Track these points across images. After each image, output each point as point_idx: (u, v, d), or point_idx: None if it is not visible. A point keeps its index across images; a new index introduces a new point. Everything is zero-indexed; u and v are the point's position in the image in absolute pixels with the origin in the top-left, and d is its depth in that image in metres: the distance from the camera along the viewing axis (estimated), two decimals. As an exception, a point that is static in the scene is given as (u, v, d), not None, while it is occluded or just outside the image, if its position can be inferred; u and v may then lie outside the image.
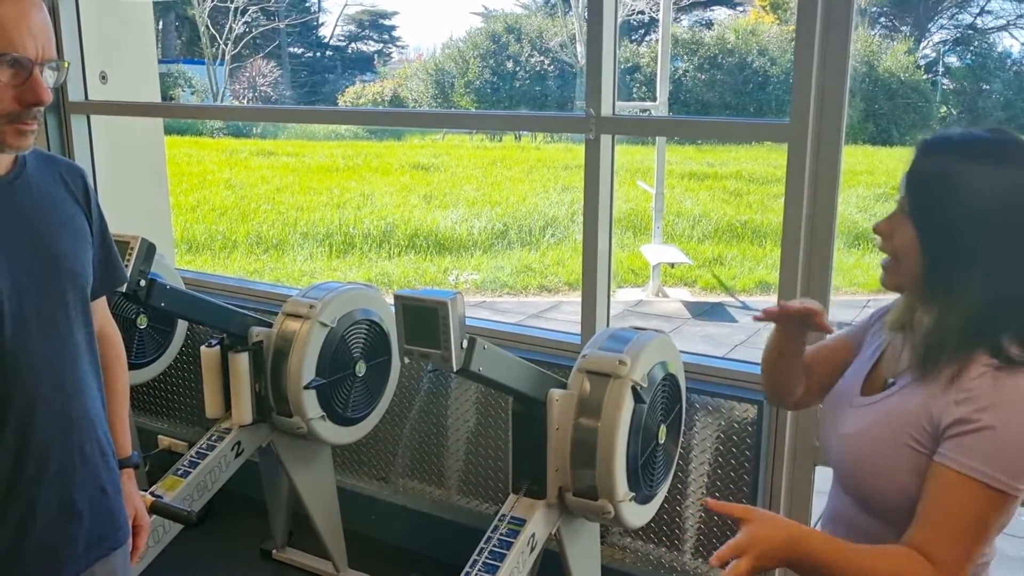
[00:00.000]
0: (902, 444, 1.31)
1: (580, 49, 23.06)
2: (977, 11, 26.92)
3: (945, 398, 1.27)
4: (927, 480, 1.27)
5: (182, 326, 3.39)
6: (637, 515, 2.27)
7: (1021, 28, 26.45)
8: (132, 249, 2.52)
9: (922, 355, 1.32)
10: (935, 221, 1.30)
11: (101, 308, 1.69)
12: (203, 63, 27.25)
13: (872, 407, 1.40)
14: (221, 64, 27.45)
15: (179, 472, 2.62)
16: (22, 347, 1.41)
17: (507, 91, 23.82)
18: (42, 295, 1.44)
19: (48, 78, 1.38)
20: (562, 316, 8.48)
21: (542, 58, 24.00)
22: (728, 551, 1.25)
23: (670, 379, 2.32)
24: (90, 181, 1.61)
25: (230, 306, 2.82)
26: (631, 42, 24.70)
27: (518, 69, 24.02)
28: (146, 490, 2.49)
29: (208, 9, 26.72)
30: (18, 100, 1.35)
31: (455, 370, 1.93)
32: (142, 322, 3.20)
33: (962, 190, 1.27)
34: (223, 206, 13.04)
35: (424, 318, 1.90)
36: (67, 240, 1.50)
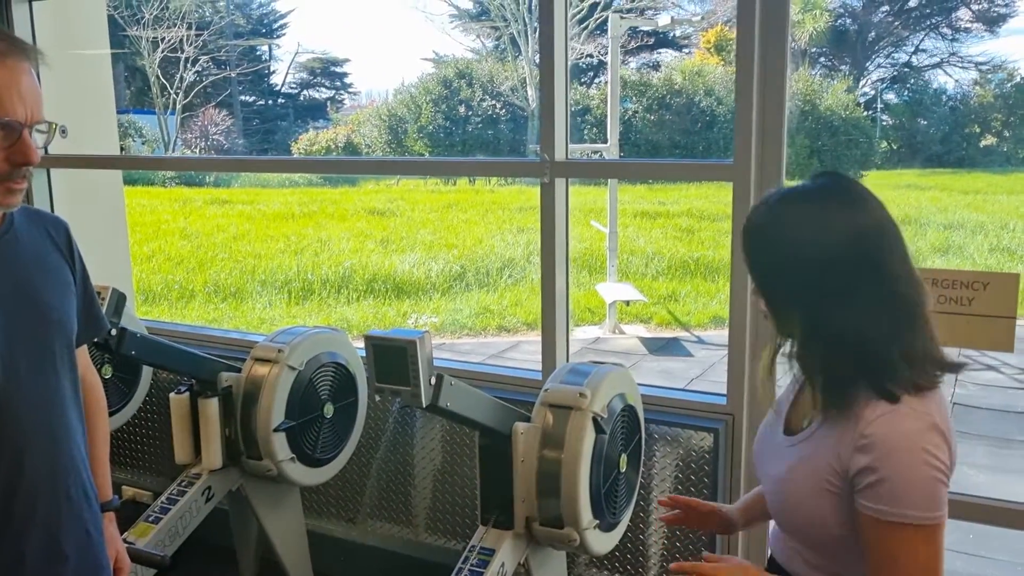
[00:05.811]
0: (821, 489, 1.40)
1: (531, 92, 23.40)
2: (912, 50, 27.92)
3: (849, 442, 1.35)
4: (861, 528, 1.36)
5: (146, 375, 3.41)
6: (601, 542, 2.35)
7: (955, 65, 27.44)
8: (104, 299, 2.56)
9: (821, 401, 1.41)
10: (757, 269, 1.44)
11: (83, 356, 1.75)
12: (154, 112, 27.13)
13: (793, 449, 1.47)
14: (172, 113, 27.34)
15: (150, 518, 2.65)
16: (12, 396, 1.47)
17: (460, 135, 24.03)
18: (31, 345, 1.50)
19: (37, 139, 1.46)
20: (521, 356, 8.56)
21: (494, 102, 24.27)
22: (689, 566, 1.45)
23: (629, 410, 2.42)
24: (73, 234, 1.68)
25: (199, 353, 2.86)
26: (580, 84, 25.13)
27: (470, 113, 24.26)
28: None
29: (159, 59, 26.67)
30: (8, 161, 1.42)
31: (424, 406, 2.01)
32: (107, 372, 3.21)
33: (777, 236, 1.40)
34: (179, 255, 12.98)
35: (394, 357, 1.98)
36: (54, 292, 1.57)
